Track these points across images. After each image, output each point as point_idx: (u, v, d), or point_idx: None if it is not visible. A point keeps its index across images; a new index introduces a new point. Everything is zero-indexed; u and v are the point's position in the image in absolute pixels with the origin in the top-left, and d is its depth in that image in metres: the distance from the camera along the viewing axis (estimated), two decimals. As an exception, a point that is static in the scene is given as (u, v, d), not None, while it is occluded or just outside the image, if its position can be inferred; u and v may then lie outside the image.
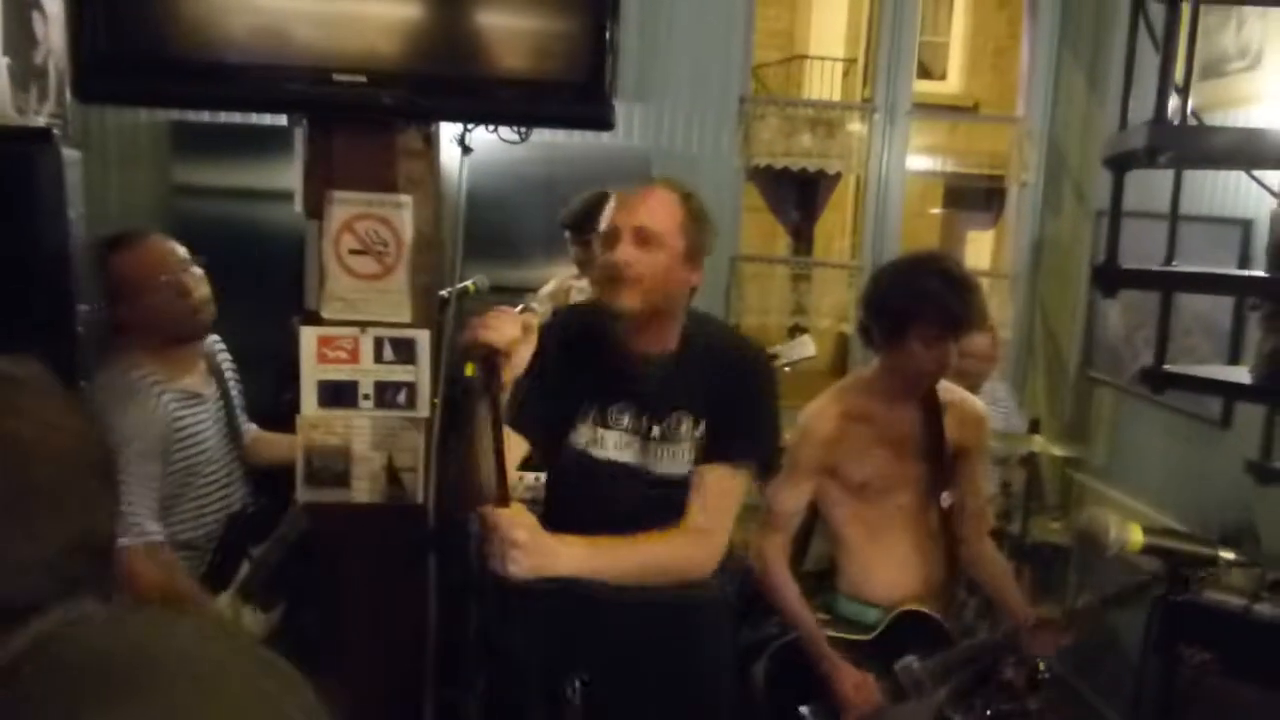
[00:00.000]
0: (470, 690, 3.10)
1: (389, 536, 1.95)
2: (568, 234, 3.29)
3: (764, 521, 2.28)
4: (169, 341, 2.28)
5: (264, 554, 2.29)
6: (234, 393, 2.47)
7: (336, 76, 1.66)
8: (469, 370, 1.49)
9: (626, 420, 1.80)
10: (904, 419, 2.21)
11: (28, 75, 3.08)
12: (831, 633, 2.24)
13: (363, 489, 1.91)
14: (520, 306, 1.60)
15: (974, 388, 3.64)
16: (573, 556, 1.58)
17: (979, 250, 12.68)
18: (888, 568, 2.28)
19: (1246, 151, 1.55)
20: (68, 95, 3.35)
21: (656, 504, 1.74)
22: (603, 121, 1.76)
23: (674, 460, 1.79)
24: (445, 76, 1.72)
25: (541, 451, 1.83)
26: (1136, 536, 1.54)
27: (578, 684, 1.77)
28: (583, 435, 1.81)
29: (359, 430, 1.90)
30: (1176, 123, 1.53)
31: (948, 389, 2.25)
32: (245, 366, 2.80)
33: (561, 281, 3.49)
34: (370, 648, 1.96)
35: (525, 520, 1.51)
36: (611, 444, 1.80)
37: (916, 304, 2.08)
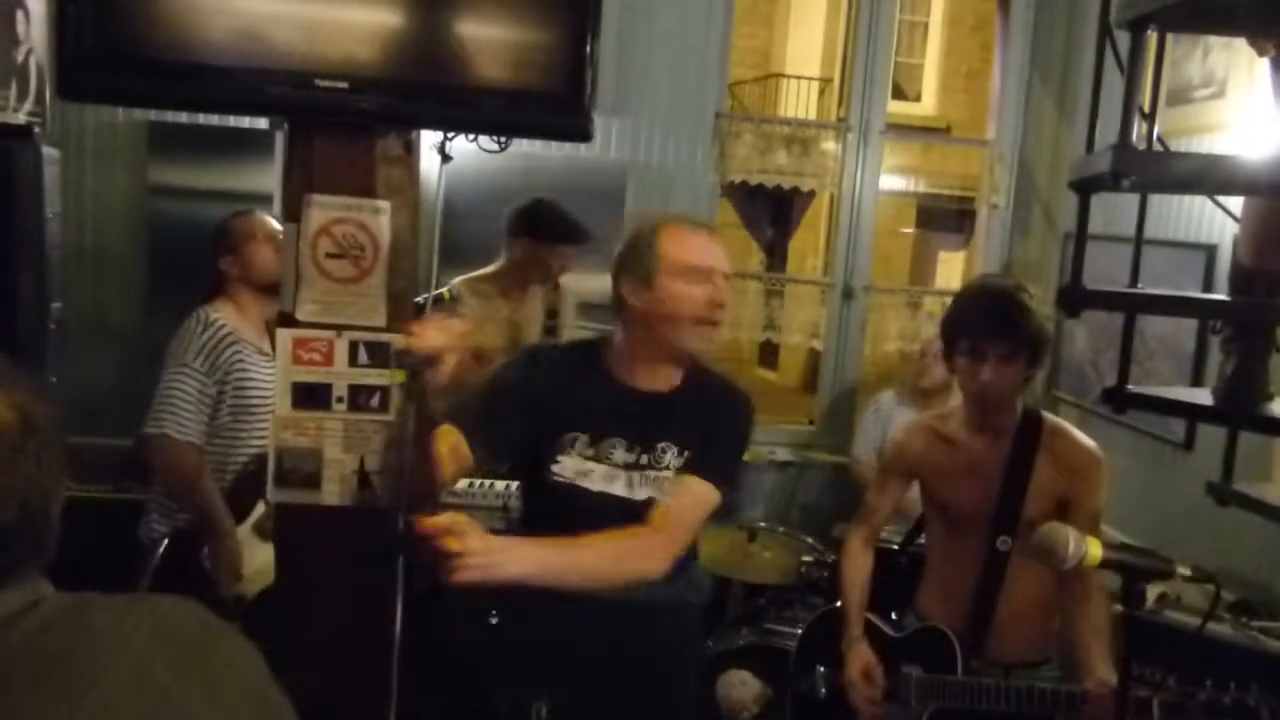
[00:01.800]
0: (431, 699, 3.09)
1: (358, 539, 1.95)
2: (525, 238, 3.23)
3: (858, 514, 2.50)
4: (261, 291, 2.77)
5: None
6: None
7: (318, 81, 1.67)
8: (399, 378, 1.50)
9: (618, 454, 1.83)
10: (986, 452, 2.24)
11: (9, 73, 3.06)
12: (870, 616, 2.38)
13: (333, 491, 1.91)
14: (452, 314, 1.61)
15: (937, 399, 3.71)
16: (522, 559, 1.55)
17: (950, 271, 12.83)
18: (937, 595, 2.35)
19: (1210, 177, 1.59)
20: (48, 94, 3.33)
21: None
22: (581, 133, 1.78)
23: (654, 486, 1.82)
24: (426, 84, 1.73)
25: (515, 476, 1.87)
26: (1095, 550, 1.57)
27: (544, 709, 1.78)
28: (569, 467, 1.83)
29: (331, 432, 1.89)
30: (1142, 148, 1.57)
31: (1061, 434, 2.24)
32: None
33: (464, 283, 3.29)
34: (335, 650, 1.96)
35: (459, 527, 1.47)
36: (599, 476, 1.83)
37: (960, 319, 2.20)
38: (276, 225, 2.80)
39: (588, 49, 1.73)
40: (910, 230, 13.86)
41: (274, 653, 1.05)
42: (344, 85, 1.68)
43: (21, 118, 3.05)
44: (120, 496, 3.42)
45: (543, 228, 3.22)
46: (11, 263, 2.26)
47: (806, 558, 3.44)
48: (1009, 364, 2.12)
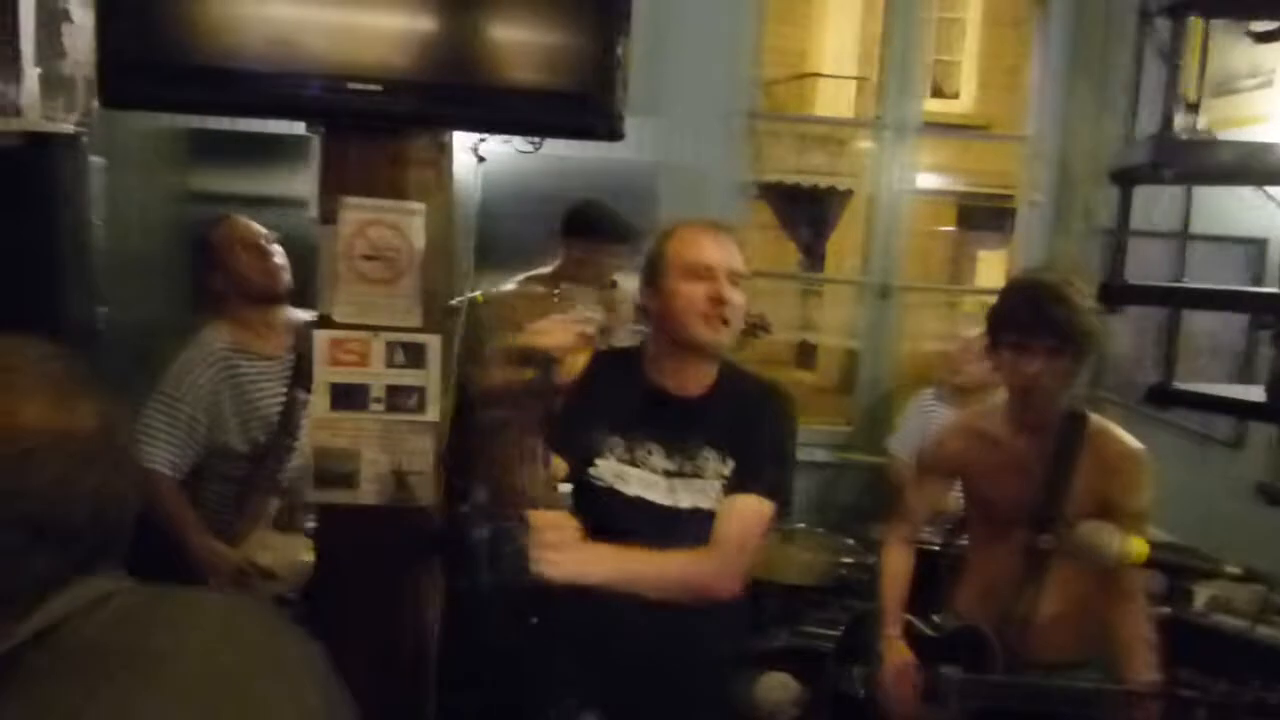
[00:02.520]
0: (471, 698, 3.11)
1: (395, 539, 1.96)
2: (578, 239, 3.27)
3: (896, 512, 2.48)
4: (252, 302, 2.69)
5: (294, 485, 2.58)
6: None
7: (351, 85, 1.69)
8: (527, 374, 1.53)
9: (654, 459, 1.84)
10: (1028, 449, 2.21)
11: (56, 84, 3.14)
12: (909, 616, 2.35)
13: (370, 491, 1.93)
14: (578, 316, 1.64)
15: (974, 398, 3.66)
16: (605, 566, 1.61)
17: (990, 270, 12.67)
18: (977, 595, 2.32)
19: (1254, 167, 1.56)
20: (93, 103, 3.40)
21: (680, 539, 1.76)
22: (612, 133, 1.79)
23: (700, 495, 1.82)
24: (457, 86, 1.74)
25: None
26: (1137, 549, 1.53)
27: (588, 714, 1.78)
28: (607, 470, 1.84)
29: (368, 433, 1.91)
30: (1186, 138, 1.54)
31: (1105, 433, 2.19)
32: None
33: (519, 285, 3.35)
34: (373, 650, 1.97)
35: (568, 524, 1.56)
36: (636, 481, 1.83)
37: (1005, 313, 2.15)
38: (256, 227, 2.76)
39: (618, 49, 1.74)
40: (949, 229, 13.71)
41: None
42: (376, 88, 1.70)
43: (69, 128, 3.12)
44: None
45: (593, 228, 3.26)
46: (60, 269, 2.30)
47: (845, 559, 3.41)
48: (1054, 359, 2.08)
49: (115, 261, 3.29)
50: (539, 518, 1.53)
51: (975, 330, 4.00)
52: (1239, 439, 3.16)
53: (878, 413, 4.43)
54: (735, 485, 1.82)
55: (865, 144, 4.42)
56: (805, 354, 12.59)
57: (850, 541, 3.60)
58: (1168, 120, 1.44)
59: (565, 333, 1.60)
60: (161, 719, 0.82)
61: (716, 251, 1.80)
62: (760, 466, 1.82)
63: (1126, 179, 1.64)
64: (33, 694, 0.81)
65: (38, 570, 0.86)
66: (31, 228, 2.27)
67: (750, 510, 1.79)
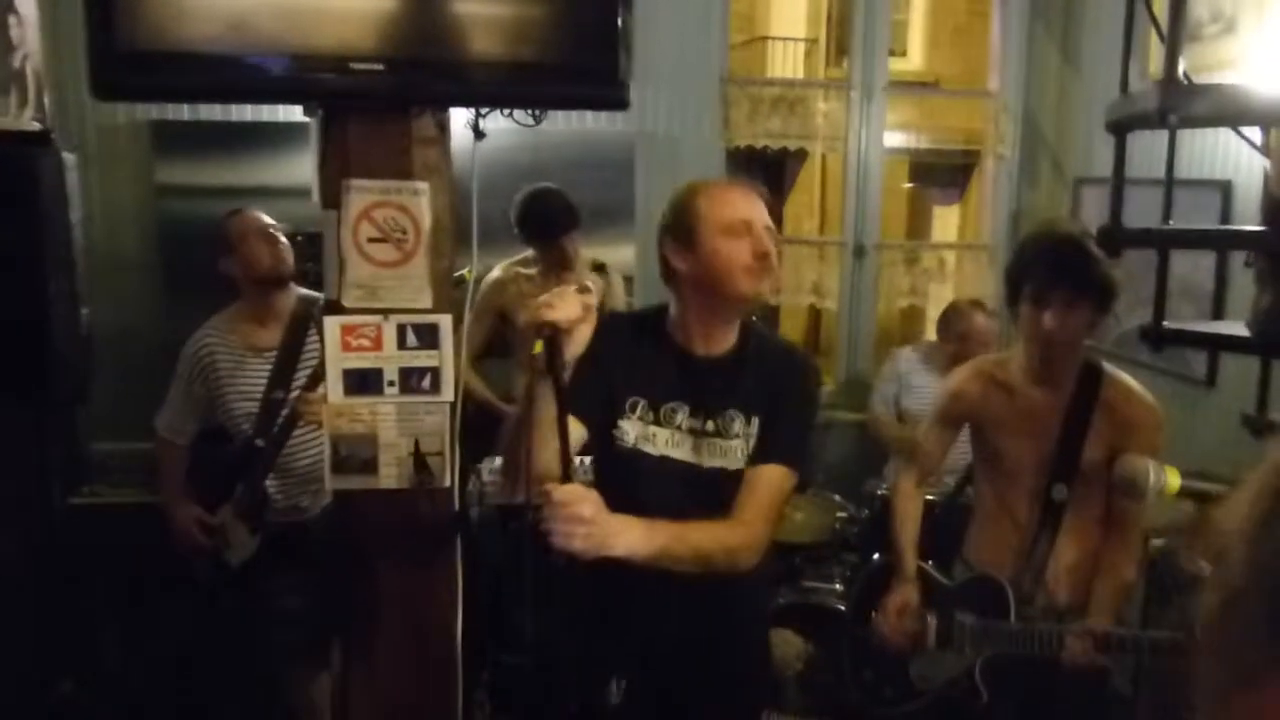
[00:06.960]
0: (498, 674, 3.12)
1: (417, 521, 1.96)
2: (527, 238, 3.40)
3: (908, 455, 2.54)
4: (260, 287, 2.83)
5: (255, 481, 2.75)
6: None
7: (354, 65, 1.66)
8: (536, 349, 1.52)
9: (680, 418, 1.84)
10: (1044, 401, 2.23)
11: (6, 79, 3.04)
12: (924, 565, 2.40)
13: (390, 475, 1.92)
14: (577, 286, 1.63)
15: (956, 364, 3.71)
16: (631, 537, 1.58)
17: (946, 224, 12.83)
18: (989, 544, 2.35)
19: (1262, 110, 1.59)
20: (47, 98, 3.30)
21: (703, 498, 1.77)
22: (618, 102, 1.78)
23: (724, 455, 1.83)
24: (463, 62, 1.72)
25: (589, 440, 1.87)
26: (1174, 480, 1.58)
27: (619, 684, 1.79)
28: (631, 431, 1.84)
29: (384, 417, 1.90)
30: (1189, 83, 1.57)
31: (1120, 386, 2.22)
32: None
33: (507, 269, 3.54)
34: (400, 632, 1.97)
35: (589, 498, 1.52)
36: (663, 441, 1.83)
37: (1025, 265, 2.17)
38: (267, 219, 2.90)
39: (620, 19, 1.73)
40: (909, 185, 13.81)
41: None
42: (379, 67, 1.67)
43: (35, 124, 3.03)
44: (150, 499, 3.43)
45: (532, 227, 3.34)
46: (43, 271, 2.24)
47: (840, 514, 3.47)
48: (1074, 310, 2.10)
49: (87, 259, 3.22)
50: (560, 492, 1.50)
51: (956, 297, 4.04)
52: (1213, 376, 3.25)
53: (858, 370, 4.49)
54: (760, 454, 1.82)
55: (832, 105, 4.43)
56: (767, 315, 12.65)
57: (839, 498, 3.66)
58: (1172, 65, 1.47)
59: (572, 305, 1.59)
60: None
61: (751, 207, 1.82)
62: (785, 436, 1.83)
63: (1125, 127, 1.67)
64: None
65: None
66: (12, 229, 2.21)
67: (775, 480, 1.81)
